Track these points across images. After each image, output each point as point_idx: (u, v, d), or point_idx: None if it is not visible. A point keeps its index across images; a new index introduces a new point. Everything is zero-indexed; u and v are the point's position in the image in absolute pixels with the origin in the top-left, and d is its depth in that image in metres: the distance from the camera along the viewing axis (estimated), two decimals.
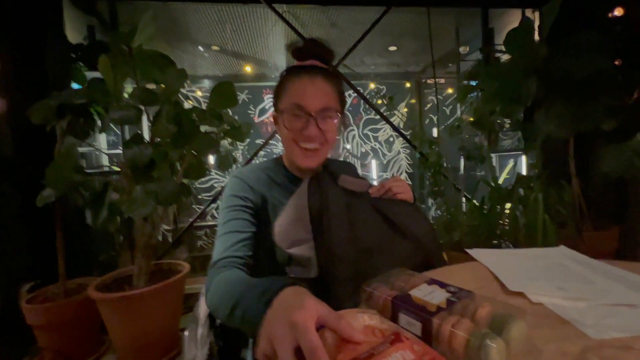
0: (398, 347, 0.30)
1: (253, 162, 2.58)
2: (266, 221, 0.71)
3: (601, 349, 0.38)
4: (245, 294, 0.48)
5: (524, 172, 2.79)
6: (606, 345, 0.39)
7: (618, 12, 1.79)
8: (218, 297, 0.55)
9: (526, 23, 1.62)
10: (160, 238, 3.00)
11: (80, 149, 2.25)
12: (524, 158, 2.79)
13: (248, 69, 3.45)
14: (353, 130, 3.81)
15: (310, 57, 0.72)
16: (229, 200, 0.70)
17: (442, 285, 0.44)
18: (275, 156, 0.83)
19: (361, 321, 0.34)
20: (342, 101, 0.74)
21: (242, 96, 3.55)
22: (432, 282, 0.45)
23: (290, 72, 0.70)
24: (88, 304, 1.34)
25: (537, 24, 2.14)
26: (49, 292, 1.44)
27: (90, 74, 1.72)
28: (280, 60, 3.31)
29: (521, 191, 1.81)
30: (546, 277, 0.59)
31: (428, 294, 0.41)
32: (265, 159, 0.97)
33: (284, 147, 0.73)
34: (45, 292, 1.44)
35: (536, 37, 1.75)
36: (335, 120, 0.70)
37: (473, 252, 0.75)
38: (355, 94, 2.76)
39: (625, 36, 1.75)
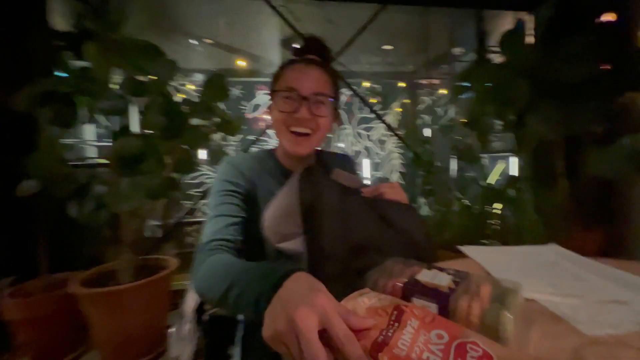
0: (405, 321, 0.33)
1: None
2: (256, 210, 0.69)
3: (595, 345, 0.37)
4: (243, 275, 0.47)
5: (514, 173, 2.82)
6: (600, 342, 0.38)
7: (610, 17, 1.82)
8: (209, 278, 0.53)
9: (520, 26, 1.64)
10: (148, 233, 2.94)
11: (67, 140, 2.18)
12: (514, 159, 2.82)
13: (241, 63, 3.40)
14: (346, 128, 3.81)
15: (309, 53, 0.74)
16: (220, 185, 0.70)
17: (440, 269, 0.47)
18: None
19: (362, 305, 0.36)
20: (337, 92, 0.74)
21: (235, 92, 3.51)
22: (430, 267, 0.47)
23: (287, 63, 0.73)
24: (70, 299, 1.30)
25: (531, 27, 2.16)
26: (29, 287, 1.39)
27: (78, 64, 1.67)
28: (275, 56, 3.27)
29: (511, 192, 1.82)
30: (538, 274, 0.59)
31: (434, 278, 0.44)
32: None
33: (276, 133, 0.73)
34: (25, 287, 1.39)
35: (530, 40, 1.76)
36: (328, 107, 0.70)
37: (465, 249, 0.75)
38: (350, 92, 2.75)
39: (615, 41, 1.78)
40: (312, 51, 0.74)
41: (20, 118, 1.31)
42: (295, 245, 0.60)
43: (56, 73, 1.56)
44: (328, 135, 0.75)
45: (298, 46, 0.76)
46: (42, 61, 1.60)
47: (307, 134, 0.69)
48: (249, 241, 0.67)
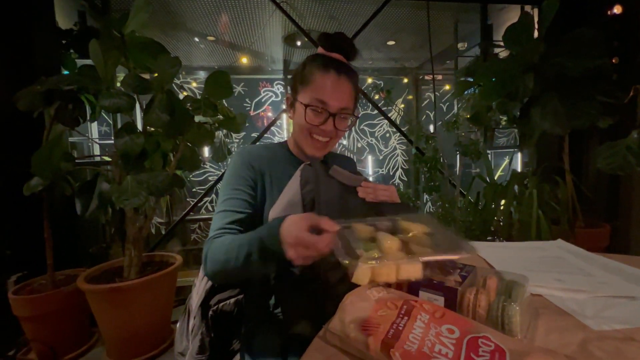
0: (415, 315, 0.34)
1: None
2: (264, 200, 0.71)
3: (602, 340, 0.37)
4: (246, 238, 0.57)
5: (518, 169, 2.80)
6: (607, 336, 0.38)
7: (617, 10, 1.78)
8: (218, 256, 0.59)
9: (526, 19, 1.61)
10: (153, 231, 2.96)
11: (71, 139, 2.20)
12: (519, 155, 2.80)
13: (244, 60, 3.39)
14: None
15: (338, 50, 0.71)
16: (229, 178, 0.71)
17: None
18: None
19: (372, 297, 0.38)
20: (357, 100, 0.75)
21: (237, 89, 3.50)
22: None
23: (317, 61, 0.69)
24: (77, 295, 1.31)
25: (536, 20, 2.13)
26: (36, 283, 1.41)
27: (82, 62, 1.67)
28: (277, 52, 3.25)
29: (516, 188, 1.81)
30: (544, 268, 0.59)
31: None
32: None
33: (296, 134, 0.74)
34: (32, 283, 1.41)
35: (535, 34, 1.73)
36: (349, 119, 0.72)
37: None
38: None
39: (623, 34, 1.75)
40: (341, 47, 0.71)
41: (29, 116, 1.32)
42: None
43: (66, 72, 1.57)
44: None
45: (326, 37, 0.71)
46: (50, 59, 1.61)
47: (327, 141, 0.72)
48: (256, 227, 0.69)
